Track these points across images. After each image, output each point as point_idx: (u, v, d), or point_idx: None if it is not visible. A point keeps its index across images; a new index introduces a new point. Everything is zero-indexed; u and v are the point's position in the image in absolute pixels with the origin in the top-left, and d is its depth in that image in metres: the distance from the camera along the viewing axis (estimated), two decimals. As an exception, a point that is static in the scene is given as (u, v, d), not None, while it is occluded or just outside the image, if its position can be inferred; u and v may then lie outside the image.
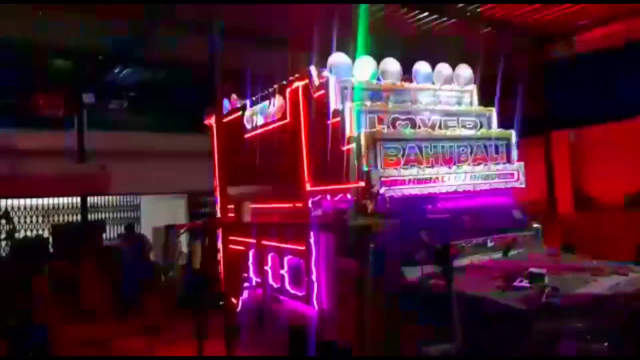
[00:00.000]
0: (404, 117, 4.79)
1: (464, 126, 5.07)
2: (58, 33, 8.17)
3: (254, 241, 6.16)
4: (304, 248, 5.20)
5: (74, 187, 10.75)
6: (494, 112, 5.30)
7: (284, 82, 5.52)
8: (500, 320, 3.07)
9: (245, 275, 6.67)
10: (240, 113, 6.71)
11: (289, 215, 5.52)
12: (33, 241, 10.48)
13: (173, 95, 11.86)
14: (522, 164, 5.02)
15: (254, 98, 6.35)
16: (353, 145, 4.42)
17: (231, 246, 7.11)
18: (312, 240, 5.03)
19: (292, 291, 5.50)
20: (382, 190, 4.07)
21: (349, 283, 4.46)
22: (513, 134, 5.12)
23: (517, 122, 5.41)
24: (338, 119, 4.62)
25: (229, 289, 6.88)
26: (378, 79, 5.02)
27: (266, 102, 6.14)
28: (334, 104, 4.71)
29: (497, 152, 4.99)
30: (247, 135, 6.53)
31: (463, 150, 4.81)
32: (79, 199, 11.14)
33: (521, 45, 8.53)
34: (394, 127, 4.71)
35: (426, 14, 7.54)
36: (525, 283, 3.45)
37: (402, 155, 4.48)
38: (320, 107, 4.87)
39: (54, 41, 8.68)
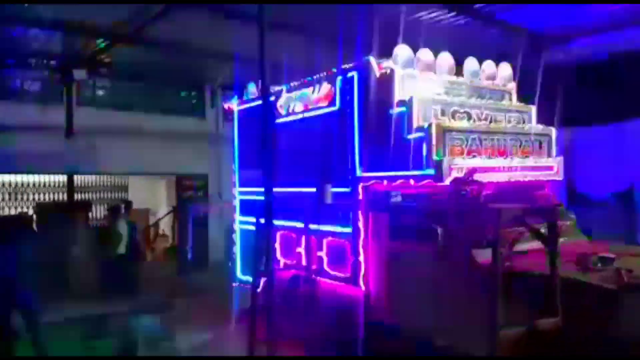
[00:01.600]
0: (462, 110, 5.04)
1: (509, 121, 5.39)
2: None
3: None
4: (350, 230, 5.38)
5: (61, 165, 10.34)
6: (534, 110, 5.66)
7: (334, 70, 5.62)
8: (593, 298, 3.38)
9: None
10: (272, 99, 6.72)
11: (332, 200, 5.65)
12: (16, 218, 9.99)
13: (167, 77, 11.60)
14: (561, 158, 5.41)
15: (292, 84, 6.38)
16: (422, 135, 4.61)
17: (247, 227, 7.24)
18: (360, 223, 5.23)
19: (333, 272, 5.65)
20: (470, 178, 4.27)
21: (404, 264, 4.69)
22: (553, 131, 5.49)
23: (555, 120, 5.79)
24: (404, 108, 4.79)
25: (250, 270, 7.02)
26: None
27: (305, 89, 6.22)
28: (398, 94, 4.87)
29: (540, 147, 5.35)
30: (279, 121, 6.56)
31: (514, 143, 5.12)
32: (65, 177, 10.71)
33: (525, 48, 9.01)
34: (454, 119, 4.94)
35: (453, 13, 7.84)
36: (599, 266, 3.79)
37: (465, 146, 4.72)
38: (381, 96, 5.02)
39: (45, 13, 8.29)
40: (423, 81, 5.10)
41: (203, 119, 12.78)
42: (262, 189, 6.48)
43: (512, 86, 5.80)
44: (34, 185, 11.06)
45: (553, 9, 7.70)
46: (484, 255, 4.21)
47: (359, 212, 5.26)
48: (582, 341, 3.26)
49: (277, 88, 6.76)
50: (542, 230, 3.96)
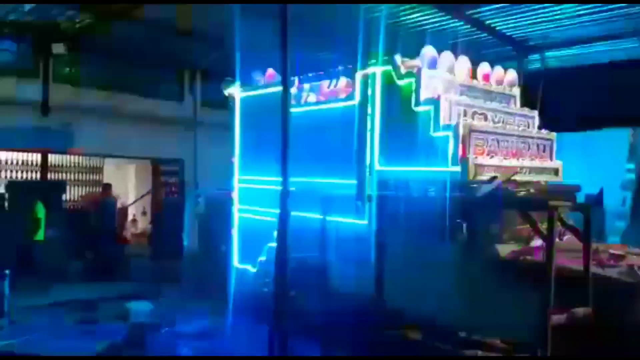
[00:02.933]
0: (480, 111, 5.36)
1: (518, 125, 5.78)
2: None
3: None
4: (365, 221, 5.59)
5: (35, 142, 9.92)
6: (537, 114, 6.09)
7: (352, 66, 5.79)
8: (615, 291, 3.79)
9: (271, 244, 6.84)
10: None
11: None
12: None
13: (147, 58, 11.31)
14: (561, 162, 5.86)
15: (310, 75, 6.48)
16: (449, 133, 4.88)
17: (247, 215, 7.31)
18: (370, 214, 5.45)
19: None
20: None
21: (425, 258, 4.95)
22: (555, 135, 5.93)
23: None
24: (431, 107, 5.05)
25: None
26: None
27: (320, 82, 6.35)
28: (426, 93, 5.12)
29: (543, 150, 5.77)
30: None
31: (524, 146, 5.51)
32: (39, 155, 10.27)
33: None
34: (473, 119, 5.25)
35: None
36: (612, 262, 4.22)
37: (486, 146, 5.04)
38: (405, 94, 5.25)
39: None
40: (444, 82, 5.37)
41: (181, 103, 12.56)
42: (270, 178, 6.71)
43: (517, 91, 6.20)
44: (6, 162, 10.52)
45: (534, 19, 8.22)
46: (504, 250, 4.59)
47: (376, 204, 5.47)
48: (613, 329, 3.65)
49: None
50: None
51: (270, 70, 7.19)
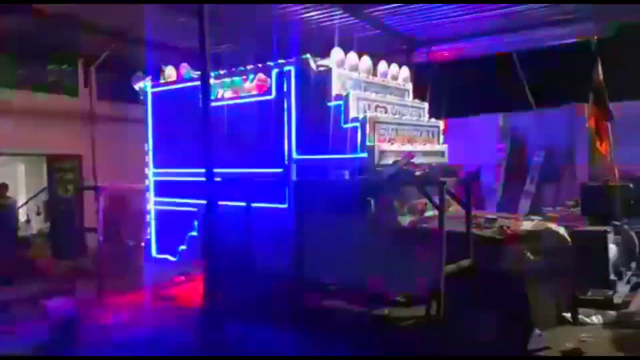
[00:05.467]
0: (381, 105, 6.16)
1: (411, 115, 6.68)
2: None
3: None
4: (285, 206, 6.17)
5: None
6: (426, 105, 7.06)
7: (270, 63, 6.28)
8: (488, 246, 4.79)
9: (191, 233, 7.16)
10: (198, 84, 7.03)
11: (263, 180, 6.33)
12: None
13: (37, 51, 10.75)
14: (447, 145, 6.88)
15: (221, 72, 6.83)
16: (357, 124, 5.60)
17: (163, 207, 7.54)
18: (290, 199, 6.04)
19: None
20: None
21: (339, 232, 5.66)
22: (441, 123, 6.94)
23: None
24: (341, 102, 5.73)
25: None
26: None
27: (237, 78, 6.76)
28: (336, 89, 5.78)
29: (432, 136, 6.75)
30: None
31: (417, 133, 6.42)
32: None
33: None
34: (376, 112, 6.03)
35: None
36: (487, 225, 5.25)
37: (387, 135, 5.85)
38: (317, 90, 5.87)
39: None
40: (349, 79, 6.08)
41: (76, 97, 12.08)
42: (186, 170, 7.00)
43: (410, 85, 7.12)
44: None
45: (422, 16, 9.28)
46: (404, 221, 5.45)
47: (295, 189, 6.06)
48: (487, 272, 4.66)
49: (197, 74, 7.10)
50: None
51: (185, 65, 7.41)
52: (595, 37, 5.76)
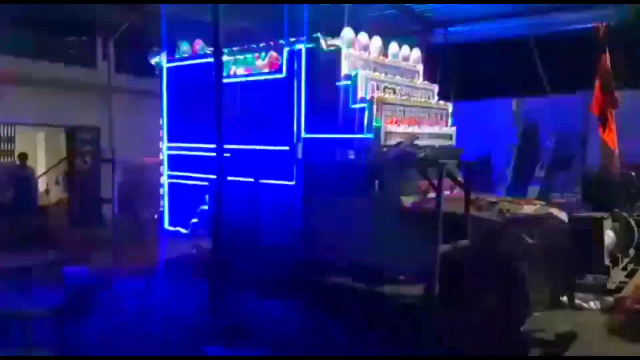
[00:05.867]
0: (390, 86, 6.23)
1: (420, 97, 6.75)
2: None
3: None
4: (293, 182, 6.32)
5: None
6: (436, 88, 7.10)
7: (282, 42, 6.37)
8: (486, 227, 4.90)
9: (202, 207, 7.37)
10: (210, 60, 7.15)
11: (272, 157, 6.48)
12: None
13: (56, 22, 10.93)
14: (455, 128, 6.94)
15: (234, 49, 6.94)
16: (365, 105, 5.70)
17: (176, 181, 7.76)
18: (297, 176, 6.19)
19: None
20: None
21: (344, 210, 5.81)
22: (450, 106, 6.99)
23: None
24: (349, 82, 5.82)
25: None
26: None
27: (249, 55, 6.86)
28: (345, 69, 5.87)
29: (441, 118, 6.81)
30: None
31: (425, 115, 6.49)
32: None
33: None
34: (384, 93, 6.11)
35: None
36: (488, 207, 5.35)
37: (394, 116, 5.94)
38: (327, 70, 5.96)
39: None
40: (360, 60, 6.15)
41: (94, 69, 12.29)
42: (199, 145, 7.17)
43: (420, 67, 7.17)
44: None
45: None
46: (407, 202, 5.57)
47: (302, 167, 6.21)
48: (484, 254, 4.78)
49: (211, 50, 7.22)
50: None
51: (200, 42, 7.52)
52: (604, 24, 5.70)
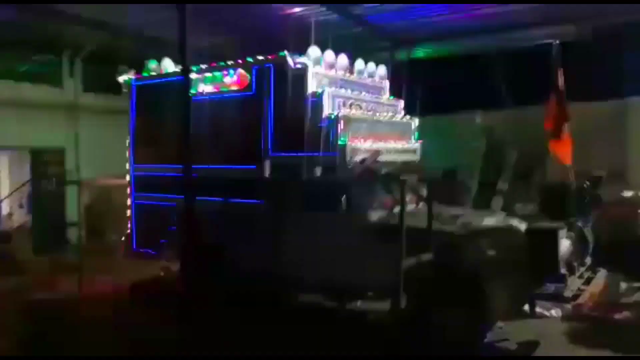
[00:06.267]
0: (356, 102, 6.39)
1: (385, 113, 6.93)
2: None
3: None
4: (261, 202, 6.36)
5: None
6: (401, 103, 7.31)
7: (250, 60, 6.47)
8: (449, 240, 5.05)
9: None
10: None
11: (240, 176, 6.50)
12: None
13: (21, 40, 10.78)
14: (420, 142, 7.13)
15: (202, 67, 7.00)
16: (331, 123, 5.83)
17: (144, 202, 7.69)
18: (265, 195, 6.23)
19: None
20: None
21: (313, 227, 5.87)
22: (416, 121, 7.19)
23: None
24: (316, 99, 5.94)
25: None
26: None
27: (218, 73, 6.93)
28: (312, 87, 6.00)
29: (406, 133, 7.00)
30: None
31: (391, 131, 6.67)
32: None
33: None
34: (351, 109, 6.26)
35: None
36: (451, 220, 5.51)
37: (359, 132, 6.08)
38: (295, 88, 6.08)
39: None
40: (326, 77, 6.30)
41: (61, 88, 12.13)
42: (167, 165, 7.13)
43: (386, 83, 7.36)
44: None
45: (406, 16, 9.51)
46: (374, 217, 5.69)
47: (270, 186, 6.26)
48: (447, 267, 4.91)
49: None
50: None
51: (168, 60, 7.55)
52: (557, 41, 6.02)
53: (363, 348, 5.29)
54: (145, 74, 7.72)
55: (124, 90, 7.95)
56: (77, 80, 12.19)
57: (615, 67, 9.85)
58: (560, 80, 5.66)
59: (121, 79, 7.90)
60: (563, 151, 5.67)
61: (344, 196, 5.68)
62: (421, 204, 5.66)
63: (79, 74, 12.19)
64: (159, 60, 7.64)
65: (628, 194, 8.18)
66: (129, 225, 7.93)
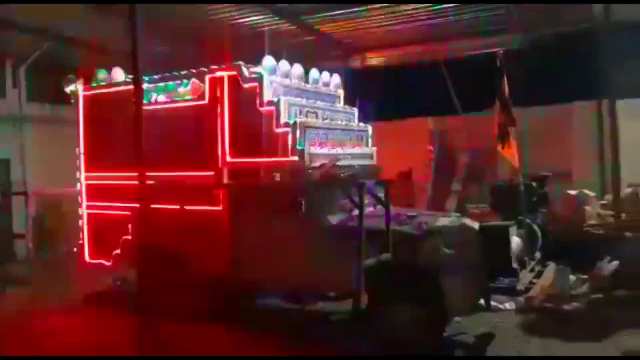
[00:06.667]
0: (312, 110, 6.48)
1: (341, 120, 7.05)
2: None
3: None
4: (220, 208, 6.34)
5: None
6: (356, 111, 7.46)
7: (204, 70, 6.44)
8: (405, 240, 5.20)
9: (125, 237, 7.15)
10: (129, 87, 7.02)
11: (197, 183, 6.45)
12: None
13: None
14: (375, 148, 7.29)
15: (154, 77, 6.90)
16: (288, 129, 5.88)
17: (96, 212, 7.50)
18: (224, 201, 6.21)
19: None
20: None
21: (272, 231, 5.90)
22: (370, 128, 7.35)
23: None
24: (272, 108, 5.98)
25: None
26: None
27: (171, 83, 6.86)
28: (267, 95, 6.03)
29: (362, 139, 7.15)
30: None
31: (347, 137, 6.79)
32: None
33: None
34: (307, 117, 6.33)
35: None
36: (408, 221, 5.67)
37: (317, 139, 6.17)
38: (250, 96, 6.10)
39: None
40: (282, 86, 6.35)
41: (3, 98, 11.65)
42: (120, 173, 6.99)
43: (341, 92, 7.50)
44: None
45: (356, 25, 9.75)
46: (333, 220, 5.78)
47: (228, 191, 6.25)
48: (405, 266, 5.06)
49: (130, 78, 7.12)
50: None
51: (118, 69, 7.40)
52: (501, 50, 6.32)
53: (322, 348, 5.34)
54: (94, 84, 7.53)
55: (72, 100, 7.72)
56: (22, 89, 11.73)
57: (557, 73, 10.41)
58: (505, 87, 5.94)
59: (68, 89, 7.67)
60: (510, 154, 5.95)
61: (304, 199, 5.74)
62: (379, 206, 5.78)
63: (23, 82, 11.73)
64: (109, 70, 7.48)
65: (573, 192, 8.66)
66: (80, 236, 7.69)
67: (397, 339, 4.98)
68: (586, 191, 8.63)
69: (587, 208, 8.36)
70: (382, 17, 9.39)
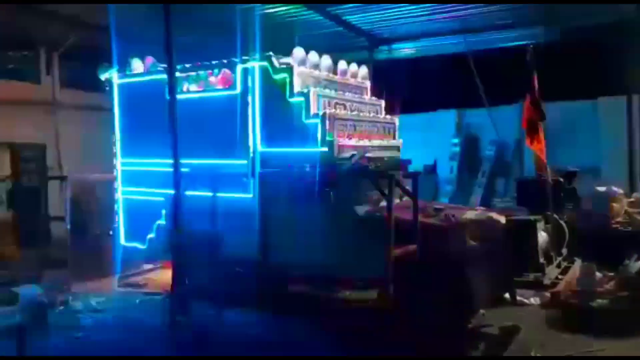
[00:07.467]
0: (340, 102, 6.55)
1: (368, 112, 7.10)
2: None
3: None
4: (251, 195, 6.49)
5: None
6: (383, 103, 7.50)
7: (235, 60, 6.57)
8: (433, 233, 5.27)
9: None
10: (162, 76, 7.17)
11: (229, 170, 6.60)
12: None
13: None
14: (402, 140, 7.33)
15: (186, 66, 7.06)
16: (318, 120, 5.98)
17: (131, 197, 7.74)
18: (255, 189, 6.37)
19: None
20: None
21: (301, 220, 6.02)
22: (397, 120, 7.39)
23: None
24: (302, 98, 6.08)
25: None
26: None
27: (202, 72, 7.01)
28: (297, 86, 6.13)
29: (389, 131, 7.20)
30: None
31: (375, 129, 6.85)
32: None
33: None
34: (335, 109, 6.41)
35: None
36: (434, 213, 5.73)
37: (345, 130, 6.25)
38: (280, 86, 6.20)
39: None
40: (311, 77, 6.43)
41: (38, 85, 11.99)
42: (154, 160, 7.20)
43: (368, 83, 7.54)
44: None
45: (384, 16, 9.75)
46: (361, 210, 5.88)
47: (259, 179, 6.39)
48: (432, 257, 5.13)
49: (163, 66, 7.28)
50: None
51: (151, 58, 7.57)
52: (531, 45, 6.28)
53: (351, 334, 5.45)
54: (128, 72, 7.72)
55: (106, 87, 7.94)
56: (55, 76, 12.06)
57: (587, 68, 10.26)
58: (535, 81, 5.91)
59: (103, 76, 7.88)
60: (538, 148, 5.93)
61: (333, 190, 5.83)
62: (405, 198, 5.85)
63: (56, 69, 12.05)
64: (142, 59, 7.66)
65: (601, 188, 8.55)
66: (116, 219, 7.95)
67: (422, 329, 5.07)
68: (614, 188, 8.51)
69: (615, 205, 8.26)
70: (411, 8, 9.36)
